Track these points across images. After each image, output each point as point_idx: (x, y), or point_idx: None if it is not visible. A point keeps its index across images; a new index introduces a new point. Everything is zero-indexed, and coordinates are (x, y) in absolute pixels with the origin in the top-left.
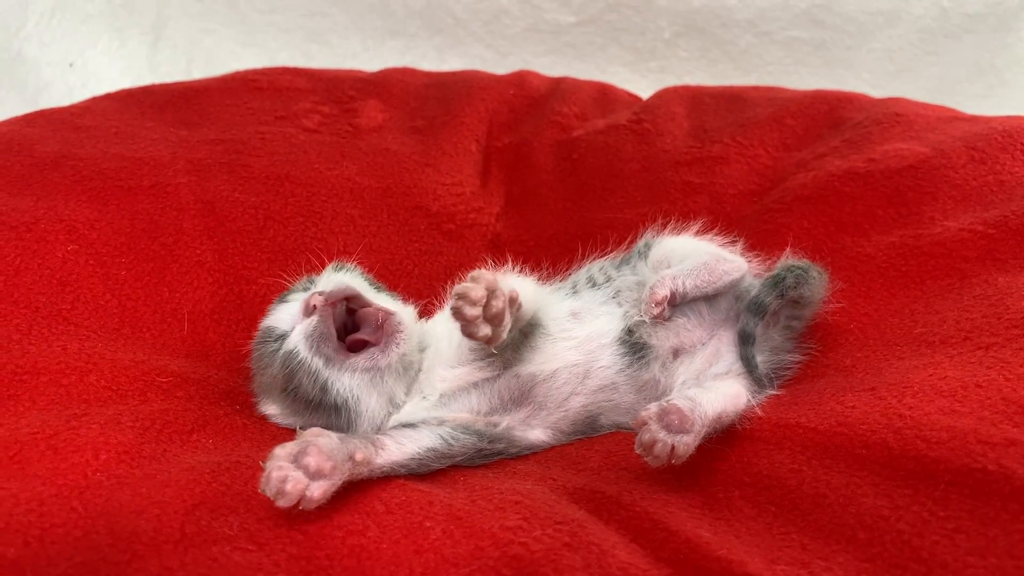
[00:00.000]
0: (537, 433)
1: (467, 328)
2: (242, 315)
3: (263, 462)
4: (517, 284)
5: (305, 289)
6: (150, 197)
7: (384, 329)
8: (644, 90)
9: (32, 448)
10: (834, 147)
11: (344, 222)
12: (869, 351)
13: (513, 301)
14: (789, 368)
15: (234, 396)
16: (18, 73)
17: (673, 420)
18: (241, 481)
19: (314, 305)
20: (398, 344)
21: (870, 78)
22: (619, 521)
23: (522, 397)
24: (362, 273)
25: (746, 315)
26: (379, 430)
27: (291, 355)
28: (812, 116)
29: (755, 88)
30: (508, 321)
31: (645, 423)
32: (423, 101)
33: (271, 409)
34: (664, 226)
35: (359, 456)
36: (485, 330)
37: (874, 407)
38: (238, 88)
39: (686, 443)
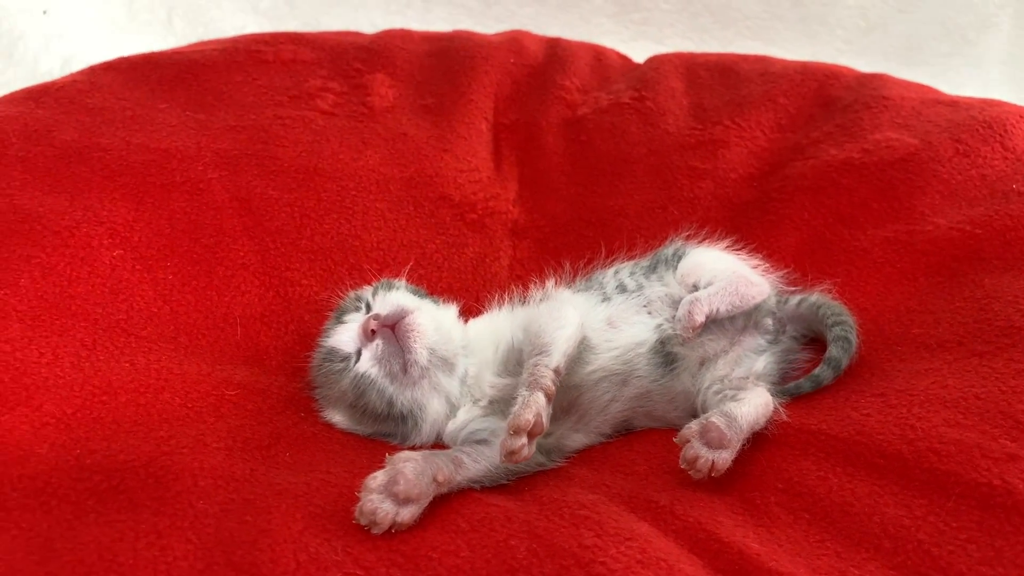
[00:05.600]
0: (579, 437)
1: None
2: (290, 317)
3: (358, 492)
4: (563, 339)
5: (356, 309)
6: (184, 195)
7: (398, 328)
8: (627, 42)
9: (133, 477)
10: (828, 132)
11: (375, 217)
12: (871, 349)
13: (555, 380)
14: (798, 369)
15: (296, 403)
16: None
17: (713, 437)
18: (331, 501)
19: (372, 330)
20: (414, 340)
21: (843, 34)
22: (675, 532)
23: (570, 405)
24: (407, 285)
25: (824, 368)
26: (439, 433)
27: (362, 378)
28: (802, 94)
29: (744, 58)
30: (549, 411)
31: (688, 440)
32: (428, 74)
33: (336, 418)
34: (688, 233)
35: (441, 477)
36: (531, 449)
37: (887, 416)
38: (244, 62)
39: (724, 458)
